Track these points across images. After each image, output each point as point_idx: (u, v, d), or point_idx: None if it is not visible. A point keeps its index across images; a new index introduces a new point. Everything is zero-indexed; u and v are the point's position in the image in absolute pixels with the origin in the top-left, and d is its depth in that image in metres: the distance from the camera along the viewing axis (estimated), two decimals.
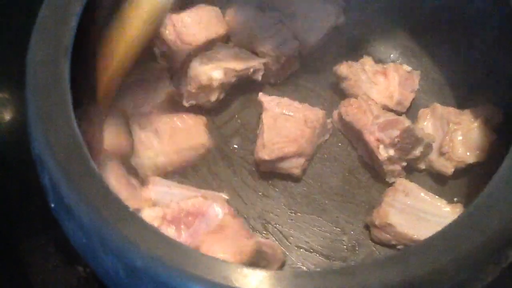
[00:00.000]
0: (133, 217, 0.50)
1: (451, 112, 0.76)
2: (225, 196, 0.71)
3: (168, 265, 0.48)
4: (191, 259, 0.48)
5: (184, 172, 0.76)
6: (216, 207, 0.65)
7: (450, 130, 0.74)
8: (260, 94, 0.77)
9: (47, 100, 0.55)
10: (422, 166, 0.77)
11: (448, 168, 0.73)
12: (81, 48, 0.59)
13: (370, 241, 0.73)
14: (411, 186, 0.72)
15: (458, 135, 0.74)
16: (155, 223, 0.64)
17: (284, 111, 0.75)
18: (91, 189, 0.51)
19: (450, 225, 0.52)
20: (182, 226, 0.65)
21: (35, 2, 0.61)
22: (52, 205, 0.54)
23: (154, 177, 0.72)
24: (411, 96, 0.80)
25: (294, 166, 0.74)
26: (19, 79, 0.58)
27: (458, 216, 0.53)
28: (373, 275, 0.48)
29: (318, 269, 0.58)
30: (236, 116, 0.82)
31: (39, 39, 0.58)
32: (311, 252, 0.71)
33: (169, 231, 0.64)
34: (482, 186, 0.54)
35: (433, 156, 0.75)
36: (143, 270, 0.48)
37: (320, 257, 0.71)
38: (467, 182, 0.75)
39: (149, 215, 0.64)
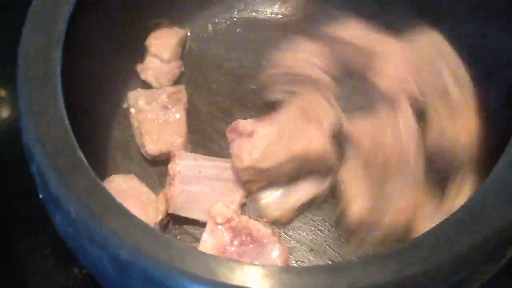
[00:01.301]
0: (119, 209, 0.49)
1: None
2: None
3: (153, 258, 0.47)
4: (177, 253, 0.47)
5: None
6: (277, 250, 0.63)
7: None
8: None
9: (38, 92, 0.55)
10: None
11: None
12: (73, 39, 0.59)
13: None
14: None
15: None
16: (219, 220, 0.64)
17: None
18: (79, 181, 0.51)
19: (446, 222, 0.50)
20: (236, 241, 0.64)
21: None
22: (41, 196, 0.54)
23: (180, 152, 0.72)
24: None
25: None
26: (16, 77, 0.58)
27: (455, 213, 0.51)
28: (364, 273, 0.46)
29: (307, 266, 0.57)
30: None
31: (31, 30, 0.58)
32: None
33: (224, 235, 0.64)
34: (480, 182, 0.52)
35: None
36: (129, 263, 0.47)
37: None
38: None
39: (220, 211, 0.64)
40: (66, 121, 0.54)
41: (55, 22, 0.59)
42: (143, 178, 0.72)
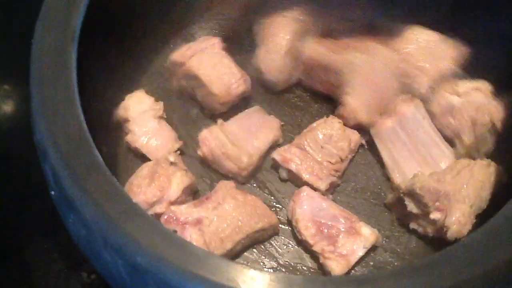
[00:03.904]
0: (136, 212, 0.47)
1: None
2: None
3: (170, 263, 0.45)
4: (195, 258, 0.45)
5: None
6: None
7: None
8: None
9: (52, 88, 0.54)
10: None
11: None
12: (89, 34, 0.57)
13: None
14: None
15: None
16: None
17: None
18: (95, 182, 0.49)
19: (475, 235, 0.48)
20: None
21: None
22: (52, 193, 0.52)
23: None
24: None
25: None
26: (20, 72, 0.57)
27: (487, 225, 0.49)
28: (393, 286, 0.44)
29: (331, 276, 0.55)
30: None
31: (45, 24, 0.56)
32: None
33: None
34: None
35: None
36: (144, 267, 0.45)
37: None
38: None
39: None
40: (82, 119, 0.52)
41: (70, 17, 0.57)
42: None
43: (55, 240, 0.72)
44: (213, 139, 0.70)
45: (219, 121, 0.73)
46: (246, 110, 0.75)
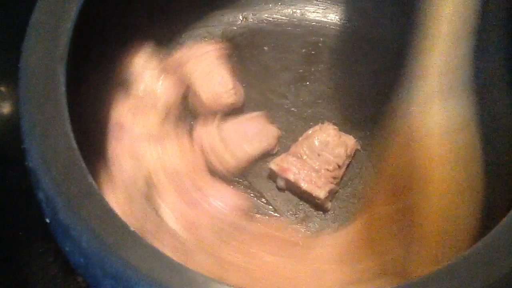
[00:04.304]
0: (134, 238, 0.46)
1: None
2: None
3: None
4: (196, 285, 0.44)
5: None
6: None
7: None
8: None
9: (42, 111, 0.52)
10: None
11: None
12: (79, 52, 0.56)
13: None
14: None
15: None
16: None
17: None
18: (90, 208, 0.47)
19: (475, 248, 0.48)
20: None
21: None
22: (48, 221, 0.51)
23: None
24: None
25: None
26: (17, 72, 0.55)
27: (484, 240, 0.49)
28: None
29: None
30: None
31: (33, 42, 0.54)
32: None
33: None
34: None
35: None
36: None
37: None
38: None
39: None
40: (74, 143, 0.50)
41: (58, 34, 0.55)
42: None
43: (51, 244, 0.71)
44: (206, 136, 0.70)
45: (217, 121, 0.72)
46: (249, 114, 0.74)
